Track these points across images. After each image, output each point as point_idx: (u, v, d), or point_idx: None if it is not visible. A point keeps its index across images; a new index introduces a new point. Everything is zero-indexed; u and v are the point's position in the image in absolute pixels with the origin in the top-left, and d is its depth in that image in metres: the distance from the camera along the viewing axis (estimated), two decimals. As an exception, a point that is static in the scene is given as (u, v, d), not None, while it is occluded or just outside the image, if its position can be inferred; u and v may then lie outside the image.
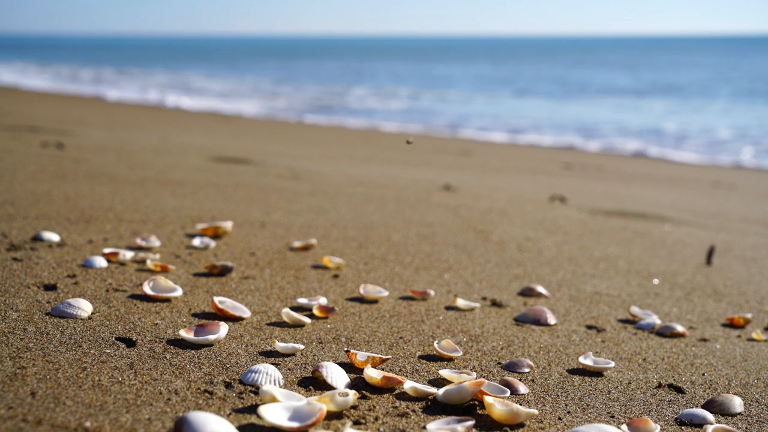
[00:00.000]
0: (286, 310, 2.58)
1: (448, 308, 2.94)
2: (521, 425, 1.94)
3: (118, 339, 2.27)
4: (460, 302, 2.94)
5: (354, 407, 1.93)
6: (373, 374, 2.07)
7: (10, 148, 6.43)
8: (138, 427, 1.71)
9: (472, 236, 4.31)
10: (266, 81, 32.14)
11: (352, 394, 1.89)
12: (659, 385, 2.31)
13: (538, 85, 30.77)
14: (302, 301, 2.78)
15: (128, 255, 3.13)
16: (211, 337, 2.28)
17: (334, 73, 39.66)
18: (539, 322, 2.84)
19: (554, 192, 6.62)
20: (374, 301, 2.94)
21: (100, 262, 3.02)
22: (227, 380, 2.03)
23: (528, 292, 3.23)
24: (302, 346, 2.31)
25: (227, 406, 1.88)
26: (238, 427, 1.76)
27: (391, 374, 2.08)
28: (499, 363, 2.39)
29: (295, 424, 1.74)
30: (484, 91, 27.72)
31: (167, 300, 2.68)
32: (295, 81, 32.39)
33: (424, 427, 1.85)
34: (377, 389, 2.07)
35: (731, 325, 3.07)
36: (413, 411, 1.95)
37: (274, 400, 1.86)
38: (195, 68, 42.09)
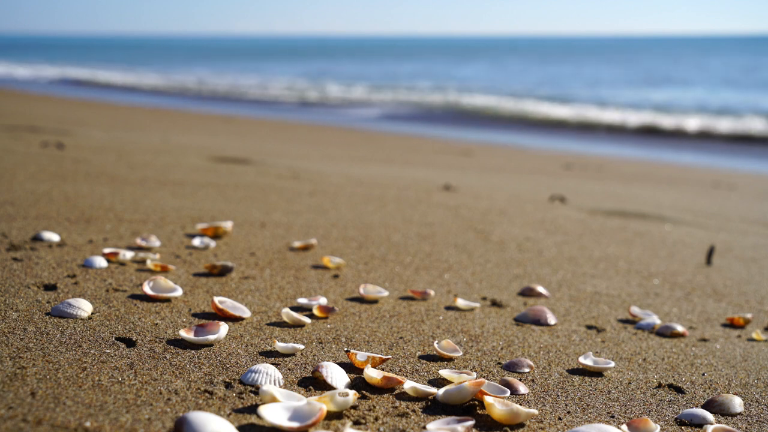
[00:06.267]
0: (286, 310, 2.58)
1: (448, 308, 2.94)
2: (521, 425, 1.94)
3: (118, 339, 2.27)
4: (460, 302, 2.94)
5: (354, 407, 1.93)
6: (373, 374, 2.07)
7: (10, 148, 6.43)
8: (138, 427, 1.71)
9: (472, 236, 4.31)
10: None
11: (352, 394, 1.89)
12: (659, 385, 2.31)
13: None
14: (302, 301, 2.78)
15: (128, 255, 3.13)
16: (211, 337, 2.28)
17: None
18: (539, 322, 2.84)
19: (554, 192, 6.62)
20: (374, 301, 2.94)
21: (100, 262, 3.02)
22: (227, 380, 2.03)
23: (528, 292, 3.23)
24: (302, 346, 2.31)
25: (227, 406, 1.88)
26: (238, 427, 1.76)
27: (391, 374, 2.08)
28: (499, 363, 2.39)
29: (295, 424, 1.74)
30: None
31: (167, 300, 2.68)
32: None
33: (424, 427, 1.85)
34: (377, 389, 2.07)
35: (731, 325, 3.07)
36: (413, 411, 1.95)
37: (274, 400, 1.86)
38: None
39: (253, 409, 1.87)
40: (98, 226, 3.73)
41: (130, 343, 2.25)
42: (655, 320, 2.95)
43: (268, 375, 2.04)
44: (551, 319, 2.86)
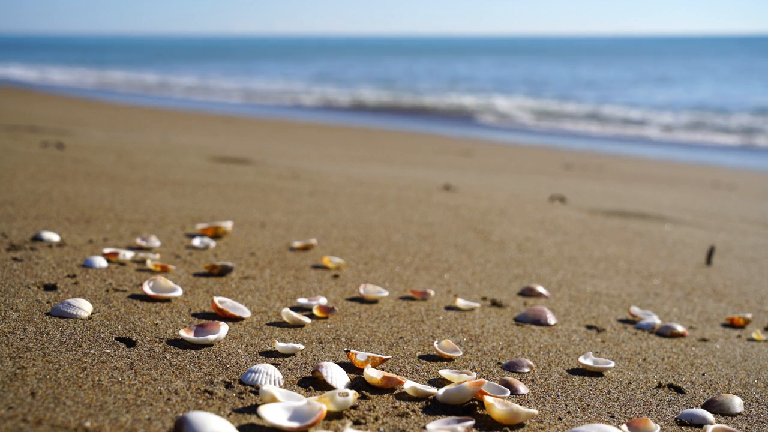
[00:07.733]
0: (286, 310, 2.58)
1: (448, 308, 2.94)
2: (521, 425, 1.94)
3: (118, 339, 2.27)
4: (460, 302, 2.94)
5: (354, 407, 1.93)
6: (373, 374, 2.07)
7: (10, 148, 6.43)
8: (138, 427, 1.71)
9: (472, 236, 4.31)
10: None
11: (352, 394, 1.89)
12: (659, 385, 2.31)
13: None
14: (302, 301, 2.78)
15: (128, 255, 3.13)
16: (211, 337, 2.28)
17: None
18: (539, 322, 2.84)
19: (554, 192, 6.62)
20: (374, 301, 2.94)
21: (100, 262, 3.02)
22: (227, 380, 2.03)
23: (528, 292, 3.23)
24: (302, 346, 2.31)
25: (227, 406, 1.88)
26: (238, 427, 1.76)
27: (391, 374, 2.08)
28: (499, 363, 2.39)
29: (295, 424, 1.74)
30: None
31: (167, 300, 2.68)
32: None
33: (424, 427, 1.85)
34: (377, 389, 2.07)
35: (731, 325, 3.07)
36: (413, 411, 1.95)
37: (274, 400, 1.86)
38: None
39: (253, 409, 1.87)
40: (98, 226, 3.73)
41: (130, 343, 2.25)
42: (655, 320, 2.95)
43: (268, 375, 2.04)
44: (551, 319, 2.86)
